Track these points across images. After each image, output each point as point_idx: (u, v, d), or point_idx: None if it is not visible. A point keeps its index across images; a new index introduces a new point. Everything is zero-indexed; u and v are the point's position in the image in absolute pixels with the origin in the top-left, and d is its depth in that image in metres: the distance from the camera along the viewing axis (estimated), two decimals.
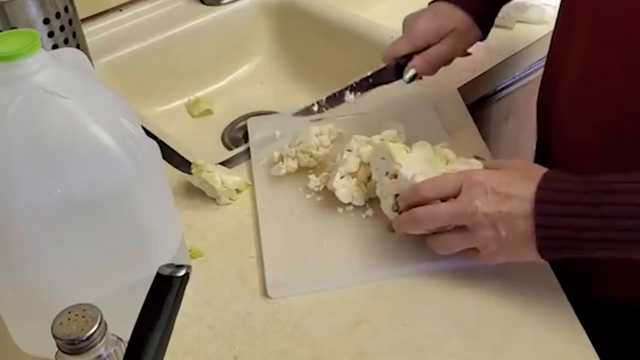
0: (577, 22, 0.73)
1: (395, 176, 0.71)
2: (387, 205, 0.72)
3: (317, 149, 0.82)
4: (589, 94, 0.72)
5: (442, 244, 0.67)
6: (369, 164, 0.77)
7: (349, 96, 0.85)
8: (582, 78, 0.73)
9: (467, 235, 0.65)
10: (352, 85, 0.84)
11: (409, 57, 0.83)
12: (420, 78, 0.84)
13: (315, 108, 0.87)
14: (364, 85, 0.84)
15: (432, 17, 0.83)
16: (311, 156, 0.82)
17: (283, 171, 0.82)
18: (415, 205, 0.68)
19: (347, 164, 0.78)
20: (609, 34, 0.68)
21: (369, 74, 0.84)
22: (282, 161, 0.83)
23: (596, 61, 0.71)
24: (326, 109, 0.85)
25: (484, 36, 0.85)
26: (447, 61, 0.85)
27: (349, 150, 0.79)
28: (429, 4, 0.86)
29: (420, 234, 0.70)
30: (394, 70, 0.83)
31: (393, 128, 0.82)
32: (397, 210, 0.70)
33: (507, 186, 0.63)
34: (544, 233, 0.61)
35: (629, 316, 0.79)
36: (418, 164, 0.71)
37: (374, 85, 0.84)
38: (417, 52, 0.82)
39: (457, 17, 0.82)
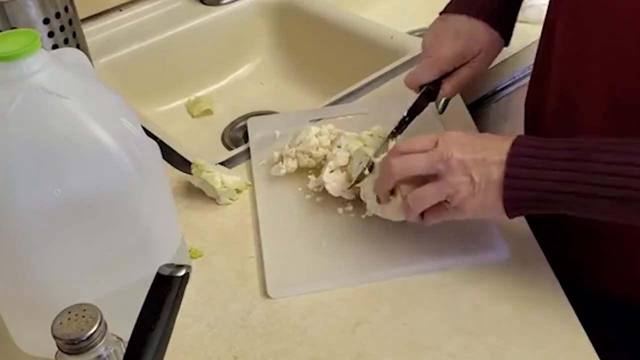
0: (558, 24, 0.73)
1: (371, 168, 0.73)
2: (372, 203, 0.73)
3: (317, 149, 0.83)
4: (575, 95, 0.73)
5: (416, 198, 0.66)
6: (361, 163, 0.78)
7: (391, 143, 0.80)
8: (566, 79, 0.74)
9: (439, 183, 0.64)
10: (393, 131, 0.80)
11: (435, 81, 0.81)
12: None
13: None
14: (402, 126, 0.81)
15: (455, 40, 0.80)
16: (311, 156, 0.82)
17: (283, 171, 0.82)
18: None
19: (337, 158, 0.79)
20: (588, 36, 0.69)
21: (405, 114, 0.81)
22: (282, 161, 0.83)
23: (579, 62, 0.71)
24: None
25: (507, 44, 0.83)
26: (475, 79, 0.84)
27: (339, 147, 0.80)
28: (441, 13, 0.84)
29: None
30: (425, 98, 0.81)
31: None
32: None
33: (483, 141, 0.64)
34: (513, 183, 0.62)
35: (629, 314, 0.79)
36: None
37: (411, 121, 0.81)
38: (443, 76, 0.81)
39: (481, 36, 0.80)
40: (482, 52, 0.80)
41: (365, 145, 0.79)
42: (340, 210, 0.79)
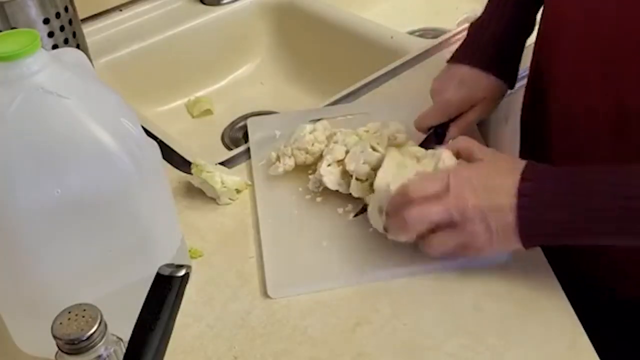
0: (561, 28, 0.74)
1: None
2: (374, 214, 0.73)
3: (312, 144, 0.83)
4: (573, 100, 0.73)
5: (434, 243, 0.67)
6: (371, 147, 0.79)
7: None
8: (565, 84, 0.74)
9: (457, 230, 0.65)
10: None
11: (443, 124, 0.83)
12: None
13: None
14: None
15: (460, 88, 0.82)
16: (307, 152, 0.83)
17: (280, 169, 0.82)
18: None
19: (334, 152, 0.80)
20: (590, 40, 0.69)
21: (420, 145, 0.82)
22: (279, 160, 0.83)
23: (578, 68, 0.71)
24: None
25: (512, 87, 0.85)
26: (481, 120, 0.86)
27: (336, 142, 0.82)
28: (448, 61, 0.86)
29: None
30: (434, 138, 0.84)
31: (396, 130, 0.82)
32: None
33: (493, 179, 0.65)
34: (526, 225, 0.63)
35: (629, 314, 0.79)
36: (389, 170, 0.72)
37: None
38: (451, 119, 0.83)
39: (484, 85, 0.82)
40: (486, 99, 0.83)
41: (362, 140, 0.80)
42: (340, 210, 0.79)
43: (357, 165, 0.77)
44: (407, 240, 0.69)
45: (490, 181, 0.65)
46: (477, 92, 0.82)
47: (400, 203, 0.68)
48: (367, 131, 0.82)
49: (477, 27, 0.86)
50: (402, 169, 0.73)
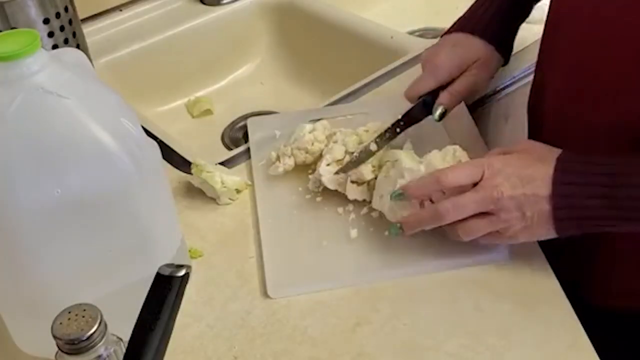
0: (562, 27, 0.73)
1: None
2: (385, 201, 0.72)
3: (312, 144, 0.83)
4: (576, 98, 0.73)
5: (467, 230, 0.67)
6: (353, 152, 0.79)
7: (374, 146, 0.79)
8: (568, 82, 0.74)
9: (492, 218, 0.65)
10: (388, 129, 0.80)
11: (433, 92, 0.81)
12: (449, 112, 0.82)
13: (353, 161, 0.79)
14: (399, 128, 0.80)
15: (452, 50, 0.81)
16: (307, 152, 0.83)
17: (280, 169, 0.82)
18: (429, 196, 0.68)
19: (333, 152, 0.80)
20: (592, 36, 0.69)
21: (400, 116, 0.81)
22: (279, 160, 0.83)
23: (582, 66, 0.71)
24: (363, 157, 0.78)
25: (505, 61, 0.84)
26: (474, 91, 0.85)
27: (335, 142, 0.81)
28: (442, 36, 0.85)
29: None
30: (422, 108, 0.81)
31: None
32: (398, 199, 0.69)
33: (527, 168, 0.65)
34: (562, 213, 0.63)
35: (629, 325, 0.79)
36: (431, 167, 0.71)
37: (407, 126, 0.81)
38: (442, 87, 0.81)
39: (477, 47, 0.81)
40: (479, 61, 0.81)
41: (361, 143, 0.80)
42: (340, 209, 0.79)
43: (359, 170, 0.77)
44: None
45: (524, 170, 0.65)
46: (470, 54, 0.81)
47: (430, 188, 0.68)
48: (367, 131, 0.82)
49: (477, 4, 0.85)
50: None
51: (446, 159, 0.72)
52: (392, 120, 0.81)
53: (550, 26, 0.77)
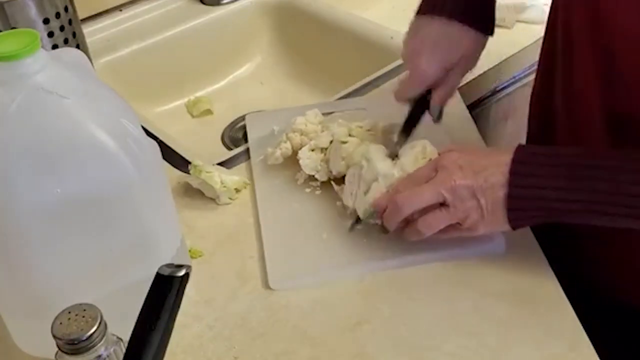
0: (572, 23, 0.73)
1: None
2: (359, 202, 0.74)
3: (306, 125, 0.84)
4: (581, 91, 0.72)
5: (426, 223, 0.68)
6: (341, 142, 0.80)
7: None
8: (574, 74, 0.73)
9: (448, 210, 0.66)
10: (400, 138, 0.79)
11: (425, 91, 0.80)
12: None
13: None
14: (403, 138, 0.79)
15: (434, 52, 0.77)
16: (302, 133, 0.83)
17: (278, 154, 0.83)
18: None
19: (320, 138, 0.81)
20: (599, 32, 0.68)
21: (405, 120, 0.80)
22: (277, 148, 0.84)
23: (588, 58, 0.71)
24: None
25: (490, 33, 0.80)
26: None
27: (325, 130, 0.83)
28: (417, 13, 0.81)
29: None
30: (418, 107, 0.80)
31: (392, 128, 0.82)
32: (371, 217, 0.72)
33: (482, 158, 0.66)
34: (516, 202, 0.64)
35: (630, 320, 0.79)
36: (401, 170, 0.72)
37: (410, 129, 0.80)
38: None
39: (457, 41, 0.77)
40: (463, 57, 0.79)
41: (343, 143, 0.79)
42: (339, 202, 0.79)
43: (335, 163, 0.79)
44: (394, 229, 0.70)
45: (479, 160, 0.65)
46: (454, 53, 0.78)
47: (389, 197, 0.69)
48: (361, 127, 0.82)
49: None
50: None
51: (418, 162, 0.72)
52: (390, 119, 0.81)
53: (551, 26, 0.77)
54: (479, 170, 0.65)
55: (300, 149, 0.83)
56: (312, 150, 0.81)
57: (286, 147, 0.83)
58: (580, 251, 0.79)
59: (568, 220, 0.65)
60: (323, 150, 0.81)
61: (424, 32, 0.79)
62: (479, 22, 0.79)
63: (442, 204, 0.66)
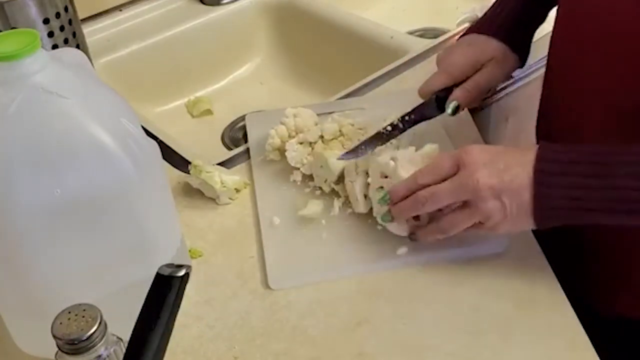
0: (578, 20, 0.73)
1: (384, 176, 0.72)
2: (374, 199, 0.73)
3: (296, 116, 0.84)
4: (592, 88, 0.72)
5: (448, 223, 0.67)
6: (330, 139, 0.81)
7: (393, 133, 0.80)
8: (584, 73, 0.73)
9: (471, 210, 0.64)
10: (394, 124, 0.79)
11: (447, 90, 0.81)
12: (462, 109, 0.82)
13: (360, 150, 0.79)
14: (407, 123, 0.80)
15: (467, 49, 0.81)
16: (295, 115, 0.84)
17: (276, 140, 0.83)
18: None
19: (310, 133, 0.82)
20: (608, 30, 0.68)
21: (410, 110, 0.80)
22: (273, 139, 0.84)
23: (598, 57, 0.71)
24: (367, 148, 0.78)
25: (522, 63, 0.83)
26: (488, 89, 0.84)
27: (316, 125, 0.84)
28: (458, 39, 0.85)
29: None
30: (435, 104, 0.81)
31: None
32: (384, 201, 0.70)
33: (507, 158, 0.64)
34: (543, 204, 0.62)
35: (631, 333, 0.79)
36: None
37: (416, 122, 0.80)
38: (456, 85, 0.81)
39: (492, 46, 0.81)
40: (494, 60, 0.80)
41: (326, 148, 0.80)
42: (338, 202, 0.79)
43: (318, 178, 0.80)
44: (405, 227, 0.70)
45: (503, 159, 0.63)
46: (484, 52, 0.80)
47: (408, 188, 0.67)
48: (353, 125, 0.83)
49: (492, 8, 0.85)
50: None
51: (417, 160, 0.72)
52: (386, 116, 0.82)
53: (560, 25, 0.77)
54: (504, 168, 0.63)
55: (296, 131, 0.83)
56: (301, 143, 0.82)
57: (282, 133, 0.83)
58: (581, 261, 0.79)
59: (592, 220, 0.63)
60: (311, 144, 0.82)
61: (462, 39, 0.83)
62: (514, 43, 0.82)
63: (465, 203, 0.65)
